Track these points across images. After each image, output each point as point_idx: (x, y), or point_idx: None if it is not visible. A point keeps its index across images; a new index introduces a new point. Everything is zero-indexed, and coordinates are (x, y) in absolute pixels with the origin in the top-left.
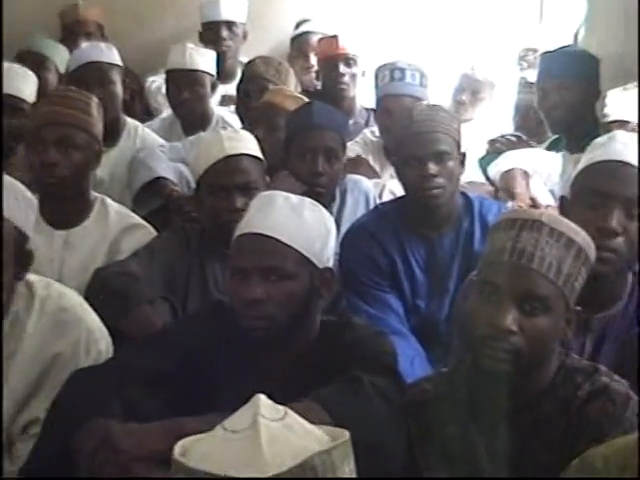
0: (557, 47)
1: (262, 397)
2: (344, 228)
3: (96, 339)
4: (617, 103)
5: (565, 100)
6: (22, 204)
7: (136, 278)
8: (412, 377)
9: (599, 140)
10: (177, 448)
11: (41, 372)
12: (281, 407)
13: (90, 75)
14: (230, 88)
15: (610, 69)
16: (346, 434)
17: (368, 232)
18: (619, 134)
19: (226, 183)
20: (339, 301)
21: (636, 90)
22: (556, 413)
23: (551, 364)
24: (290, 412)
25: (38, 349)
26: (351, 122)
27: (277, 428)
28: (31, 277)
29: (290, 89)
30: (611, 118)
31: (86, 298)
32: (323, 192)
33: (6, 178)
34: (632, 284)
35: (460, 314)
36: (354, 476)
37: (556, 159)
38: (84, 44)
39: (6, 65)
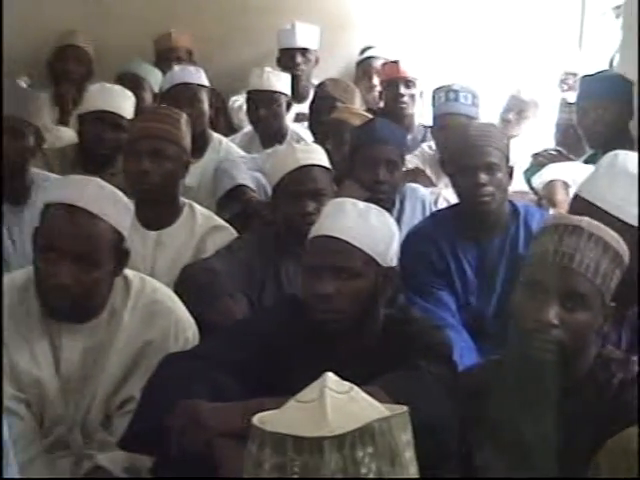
0: (595, 71)
1: (330, 374)
2: (403, 231)
3: (184, 328)
4: None
5: (602, 118)
6: (120, 208)
7: (218, 274)
8: (462, 366)
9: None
10: (256, 419)
11: (135, 357)
12: (347, 383)
13: (181, 95)
14: (303, 107)
15: None
16: (405, 408)
17: (426, 235)
18: None
19: (299, 190)
20: (397, 297)
21: None
22: (594, 398)
23: (589, 354)
24: (355, 388)
25: (133, 337)
26: (410, 137)
27: (342, 399)
28: (128, 273)
29: (356, 107)
30: None
31: (175, 292)
32: (384, 199)
33: (106, 185)
34: None
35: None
36: (411, 447)
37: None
38: (176, 67)
39: (107, 85)
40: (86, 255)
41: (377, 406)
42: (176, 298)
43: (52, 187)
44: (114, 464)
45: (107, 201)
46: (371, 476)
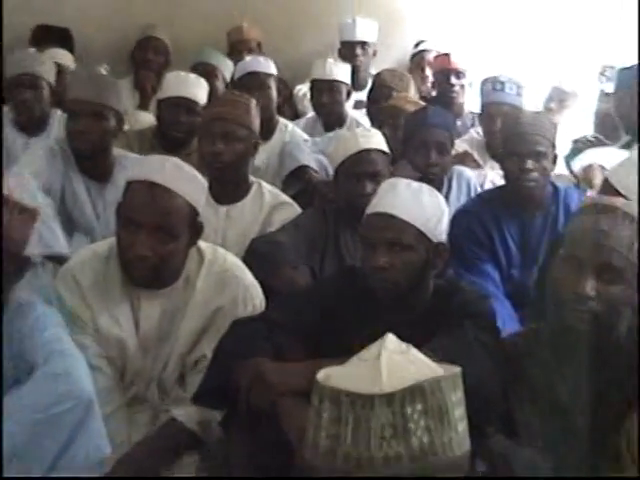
0: (631, 65)
1: (390, 335)
2: (450, 210)
3: (252, 296)
4: None
5: (638, 107)
6: (195, 185)
7: (283, 247)
8: (505, 333)
9: None
10: (320, 373)
11: (207, 320)
12: (405, 344)
13: (251, 82)
14: (362, 95)
15: None
16: (457, 369)
17: (472, 214)
18: None
19: (359, 172)
20: (446, 269)
21: None
22: (627, 365)
23: (624, 324)
24: (413, 349)
25: (205, 302)
26: (459, 123)
27: (399, 359)
28: (201, 244)
29: (410, 95)
30: None
31: (244, 262)
32: (434, 179)
33: (183, 164)
34: None
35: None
36: (461, 406)
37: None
38: (247, 57)
39: (182, 74)
40: (164, 228)
41: (433, 367)
42: (245, 267)
43: (134, 166)
44: (188, 417)
45: (184, 179)
46: (419, 432)
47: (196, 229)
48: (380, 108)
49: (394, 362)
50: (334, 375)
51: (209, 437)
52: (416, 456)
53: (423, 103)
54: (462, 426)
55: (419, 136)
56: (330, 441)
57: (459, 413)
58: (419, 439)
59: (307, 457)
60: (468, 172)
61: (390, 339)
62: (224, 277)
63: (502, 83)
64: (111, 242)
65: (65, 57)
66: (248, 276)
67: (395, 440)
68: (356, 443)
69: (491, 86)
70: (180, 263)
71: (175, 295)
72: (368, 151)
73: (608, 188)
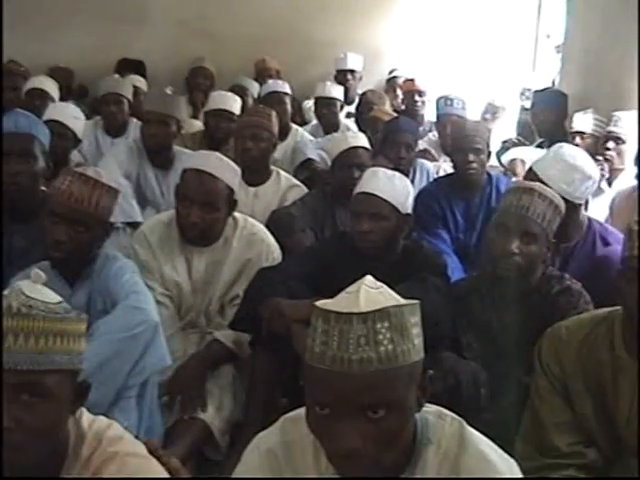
0: (543, 87)
1: (368, 276)
2: (414, 190)
3: (272, 251)
4: (579, 121)
5: (548, 119)
6: (232, 172)
7: (294, 217)
8: (453, 279)
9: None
10: (317, 303)
11: (240, 269)
12: (380, 283)
13: (272, 99)
14: (351, 108)
15: (574, 101)
16: (416, 302)
17: (430, 193)
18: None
19: (349, 162)
20: (411, 233)
21: (588, 115)
22: (539, 302)
23: (538, 273)
24: (385, 287)
25: (238, 255)
26: (421, 129)
27: (373, 292)
28: (236, 214)
29: (386, 109)
30: (574, 130)
31: (266, 227)
32: (403, 169)
33: (223, 157)
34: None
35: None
36: (418, 328)
37: (541, 153)
38: (269, 81)
39: (223, 92)
40: (209, 203)
41: (398, 298)
42: (267, 231)
43: (188, 158)
44: (226, 338)
45: (223, 167)
46: (385, 342)
47: (232, 204)
48: (364, 118)
49: (369, 294)
50: (327, 303)
51: (242, 353)
52: (383, 359)
53: (395, 114)
54: (418, 341)
55: (392, 138)
56: (322, 347)
57: (416, 332)
58: (385, 347)
59: (306, 359)
60: (427, 164)
61: (368, 279)
62: (252, 238)
63: (451, 100)
64: (171, 213)
65: (140, 82)
66: (269, 237)
67: (368, 347)
68: (340, 348)
69: (444, 102)
70: (220, 228)
71: (217, 251)
72: (356, 148)
73: (531, 176)
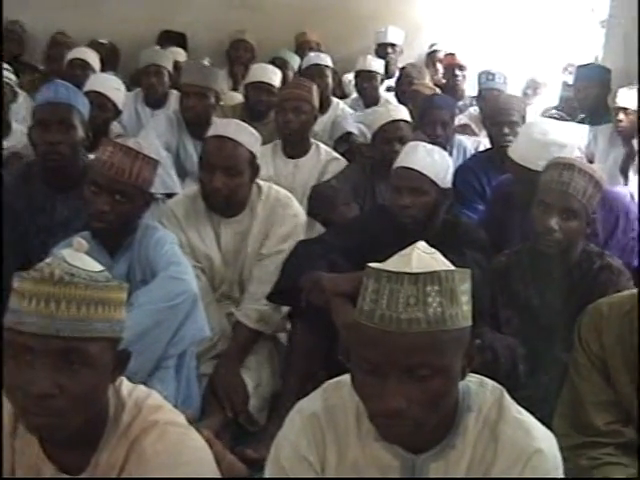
0: (586, 63)
1: (422, 242)
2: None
3: (296, 214)
4: (622, 97)
5: (590, 94)
6: (252, 137)
7: (337, 190)
8: None
9: None
10: (370, 264)
11: (264, 237)
12: (433, 249)
13: (313, 72)
14: (391, 82)
15: (618, 77)
16: (468, 270)
17: (469, 168)
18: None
19: (391, 136)
20: (451, 207)
21: (632, 91)
22: (580, 278)
23: (578, 248)
24: (438, 254)
25: (263, 224)
26: (460, 103)
27: (425, 257)
28: (260, 182)
29: (428, 83)
30: (617, 105)
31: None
32: (441, 143)
33: (242, 123)
34: None
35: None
36: (468, 295)
37: (583, 129)
38: (310, 54)
39: (263, 65)
40: (231, 167)
41: (449, 265)
42: (291, 195)
43: (211, 127)
44: (249, 318)
45: (243, 132)
46: (434, 304)
47: (255, 168)
48: (404, 91)
49: (421, 257)
50: (378, 265)
51: (268, 329)
52: (431, 321)
53: (437, 89)
54: (467, 308)
55: (429, 114)
56: (371, 305)
57: (465, 299)
58: (434, 309)
59: (355, 317)
60: (465, 141)
61: (421, 243)
62: (276, 204)
63: (493, 74)
64: (196, 188)
65: (180, 54)
66: (293, 201)
67: (417, 307)
68: (389, 307)
69: (485, 76)
70: (245, 195)
71: (243, 220)
72: (398, 121)
73: (509, 163)
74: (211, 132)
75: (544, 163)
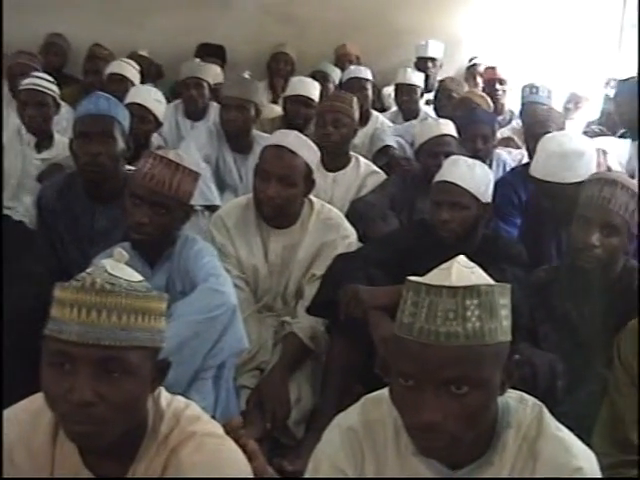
0: (628, 77)
1: (462, 256)
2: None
3: (347, 235)
4: None
5: (633, 109)
6: (310, 150)
7: (374, 206)
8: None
9: None
10: (410, 278)
11: (316, 251)
12: (473, 263)
13: (353, 85)
14: (431, 96)
15: None
16: (508, 285)
17: (508, 182)
18: None
19: (437, 150)
20: (491, 222)
21: None
22: (621, 294)
23: (618, 265)
24: (478, 268)
25: (314, 239)
26: (501, 118)
27: (466, 271)
28: (312, 198)
29: (478, 91)
30: None
31: (346, 217)
32: (481, 158)
33: (302, 135)
34: None
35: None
36: (507, 310)
37: (624, 143)
38: (351, 67)
39: (303, 78)
40: (286, 177)
41: (489, 279)
42: (343, 217)
43: (269, 137)
44: (303, 332)
45: (302, 145)
46: (473, 319)
47: (310, 182)
48: (442, 105)
49: (461, 271)
50: (417, 278)
51: (317, 348)
52: (469, 336)
53: (488, 97)
54: (506, 323)
55: (468, 129)
56: (410, 318)
57: (505, 313)
58: (473, 324)
59: (394, 330)
60: (504, 155)
61: (461, 257)
62: (328, 222)
63: (537, 88)
64: (249, 197)
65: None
66: (345, 222)
67: (455, 321)
68: (428, 320)
69: (529, 90)
70: (297, 208)
71: (294, 233)
72: (445, 135)
73: (535, 182)
74: (270, 141)
75: (566, 174)
